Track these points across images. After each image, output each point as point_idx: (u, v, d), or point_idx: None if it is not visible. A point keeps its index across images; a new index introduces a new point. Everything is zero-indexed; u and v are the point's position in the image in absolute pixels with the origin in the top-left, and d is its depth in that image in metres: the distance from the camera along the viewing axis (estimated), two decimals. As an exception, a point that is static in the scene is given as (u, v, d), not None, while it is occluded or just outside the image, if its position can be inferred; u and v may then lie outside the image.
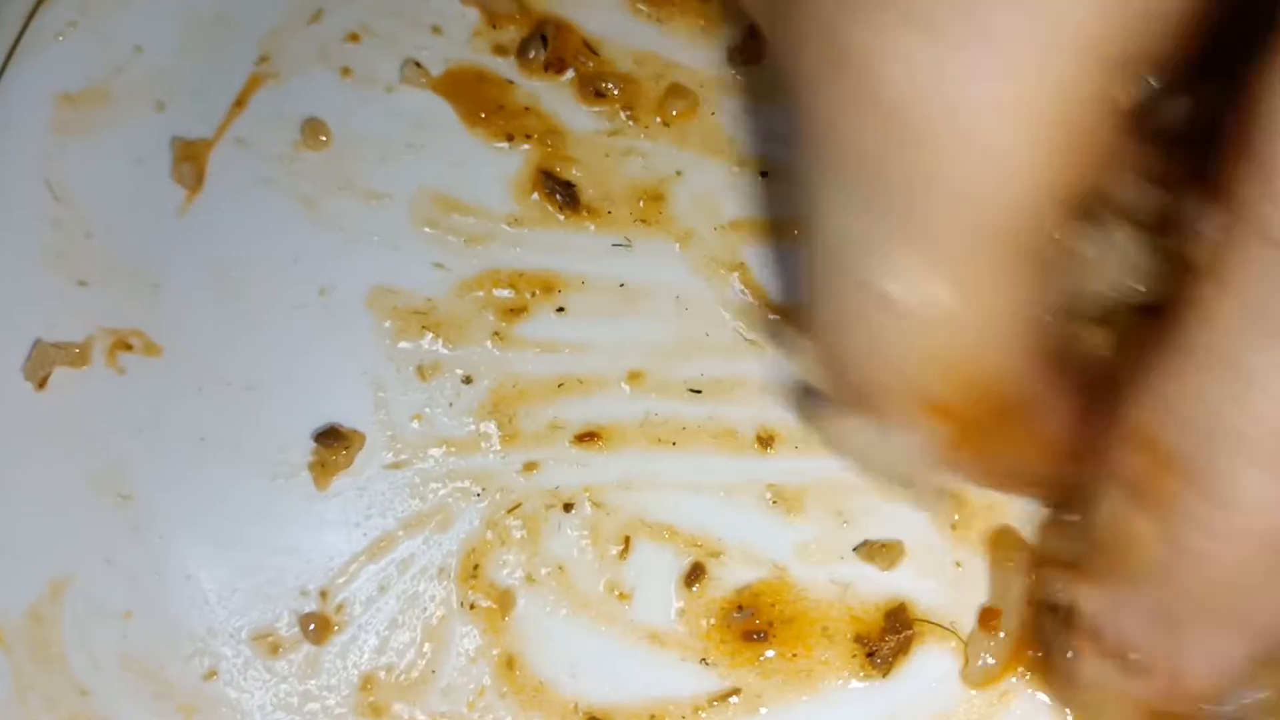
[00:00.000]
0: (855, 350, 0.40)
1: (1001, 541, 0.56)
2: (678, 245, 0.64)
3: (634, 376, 0.62)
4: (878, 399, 0.42)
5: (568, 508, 0.60)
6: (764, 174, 0.65)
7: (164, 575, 0.60)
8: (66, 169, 0.66)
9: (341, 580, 0.59)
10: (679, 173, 0.65)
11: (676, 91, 0.65)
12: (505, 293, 0.63)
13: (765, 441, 0.60)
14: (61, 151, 0.66)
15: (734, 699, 0.56)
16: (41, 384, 0.63)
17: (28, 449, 0.62)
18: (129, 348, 0.63)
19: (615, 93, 0.65)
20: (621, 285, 0.63)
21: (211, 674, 0.58)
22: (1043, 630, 0.50)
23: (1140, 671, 0.37)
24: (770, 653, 0.57)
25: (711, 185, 0.65)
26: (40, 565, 0.60)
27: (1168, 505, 0.34)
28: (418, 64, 0.67)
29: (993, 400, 0.38)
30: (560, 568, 0.59)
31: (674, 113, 0.65)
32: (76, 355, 0.63)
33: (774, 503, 0.59)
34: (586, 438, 0.61)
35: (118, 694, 0.58)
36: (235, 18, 0.70)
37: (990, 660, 0.54)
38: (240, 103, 0.68)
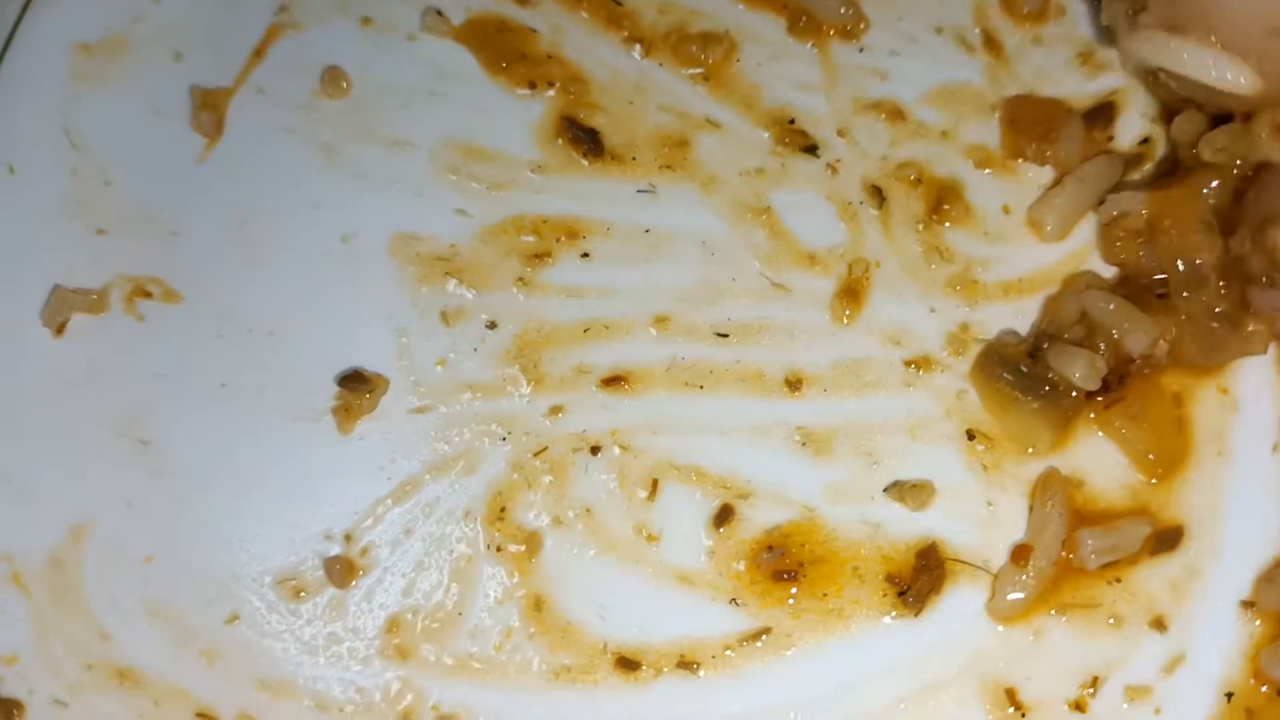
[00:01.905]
0: None
1: (1046, 484, 0.56)
2: (703, 191, 0.64)
3: (660, 321, 0.62)
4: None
5: (595, 451, 0.60)
6: (790, 121, 0.65)
7: (185, 520, 0.60)
8: (84, 118, 0.67)
9: (367, 523, 0.60)
10: (708, 119, 0.65)
11: (708, 39, 0.65)
12: (529, 239, 0.64)
13: (793, 384, 0.61)
14: (79, 100, 0.67)
15: (764, 639, 0.57)
16: (60, 330, 0.63)
17: (47, 395, 0.62)
18: (148, 295, 0.64)
19: (640, 37, 0.66)
20: (647, 231, 0.64)
21: (234, 618, 0.59)
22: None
23: None
24: (799, 592, 0.57)
25: (738, 132, 0.65)
26: (60, 510, 0.60)
27: None
28: (439, 12, 0.68)
29: None
30: (588, 510, 0.59)
31: (705, 59, 0.65)
32: (95, 302, 0.64)
33: (803, 444, 0.60)
34: (613, 382, 0.61)
35: (140, 639, 0.58)
36: (254, -33, 0.70)
37: (1018, 595, 0.55)
38: (259, 52, 0.68)
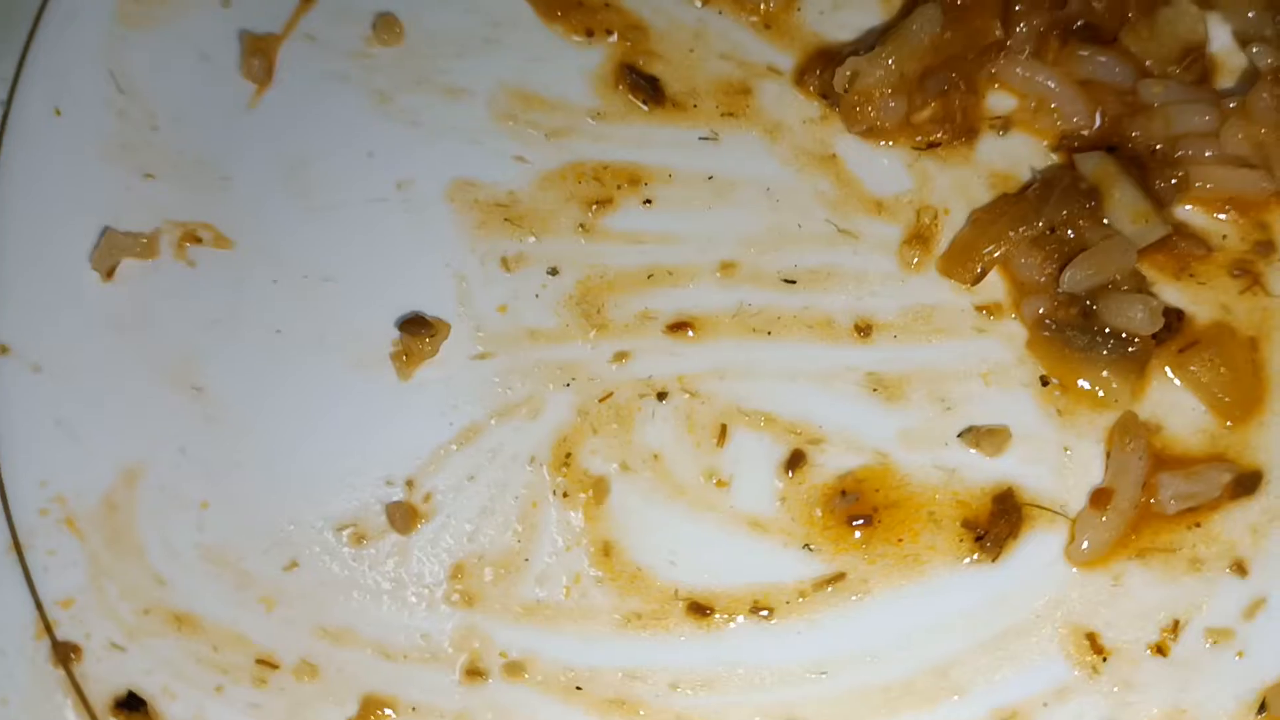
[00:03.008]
0: None
1: (1125, 427, 0.56)
2: (766, 138, 0.64)
3: (726, 267, 0.62)
4: None
5: (661, 396, 0.60)
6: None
7: (241, 466, 0.60)
8: (131, 61, 0.66)
9: (430, 469, 0.59)
10: (769, 67, 0.64)
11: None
12: (590, 185, 0.63)
13: (863, 330, 0.60)
14: (126, 43, 0.66)
15: (838, 585, 0.56)
16: (109, 274, 0.62)
17: (97, 339, 0.62)
18: (198, 240, 0.63)
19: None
20: (710, 178, 0.64)
21: (293, 565, 0.58)
22: None
23: None
24: (874, 538, 0.56)
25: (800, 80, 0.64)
26: (112, 453, 0.60)
27: None
28: (497, -41, 0.67)
29: None
30: (655, 456, 0.59)
31: (766, 7, 0.65)
32: (145, 246, 0.63)
33: (874, 390, 0.59)
34: (678, 328, 0.61)
35: (197, 584, 0.58)
36: (303, -86, 0.69)
37: (1099, 539, 0.54)
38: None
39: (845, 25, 0.66)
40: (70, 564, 0.57)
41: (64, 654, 0.55)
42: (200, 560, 0.58)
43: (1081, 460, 0.58)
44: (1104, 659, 0.55)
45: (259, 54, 0.67)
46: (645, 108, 0.65)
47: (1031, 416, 0.58)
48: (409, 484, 0.59)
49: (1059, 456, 0.58)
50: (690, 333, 0.61)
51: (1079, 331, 0.58)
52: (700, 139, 0.65)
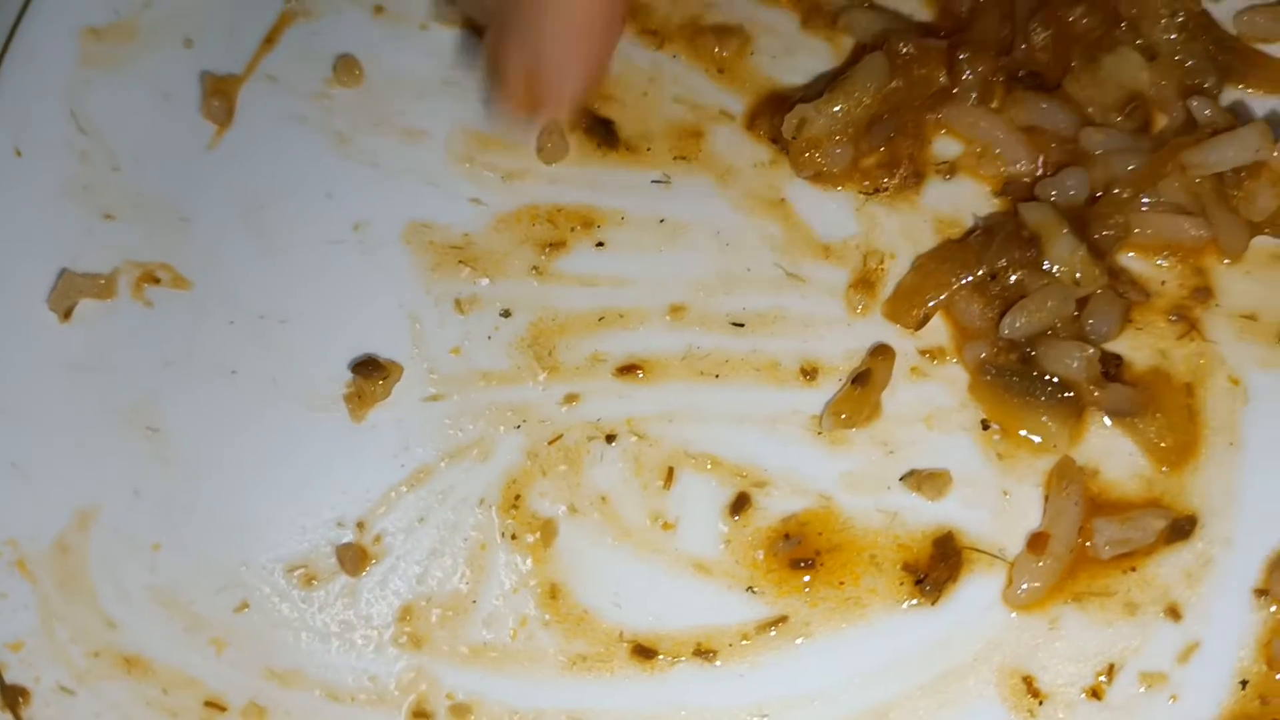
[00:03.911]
0: None
1: (1062, 473, 0.57)
2: (717, 182, 0.65)
3: (676, 310, 0.63)
4: None
5: (610, 439, 0.60)
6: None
7: (194, 508, 0.61)
8: (93, 102, 0.67)
9: (380, 510, 0.60)
10: (721, 111, 0.65)
11: (723, 32, 0.66)
12: (544, 228, 0.64)
13: (809, 374, 0.61)
14: (88, 84, 0.67)
15: (781, 627, 0.57)
16: (66, 315, 0.63)
17: (53, 381, 0.62)
18: (156, 281, 0.64)
19: (654, 29, 0.67)
20: (661, 221, 0.65)
21: (244, 606, 0.59)
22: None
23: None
24: (816, 580, 0.57)
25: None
26: (66, 495, 0.61)
27: None
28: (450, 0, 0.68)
29: None
30: (603, 498, 0.60)
31: (720, 52, 0.66)
32: (102, 287, 0.64)
33: (819, 434, 0.60)
34: (628, 370, 0.62)
35: (147, 626, 0.58)
36: (265, -45, 0.70)
37: (1035, 583, 0.55)
38: (270, 40, 0.69)
39: (797, 70, 0.67)
40: (21, 607, 0.57)
41: (12, 698, 0.55)
42: (151, 602, 0.58)
43: (1020, 504, 0.59)
44: (1040, 702, 0.56)
45: (220, 95, 0.68)
46: (600, 152, 0.66)
47: (973, 460, 0.59)
48: (360, 525, 0.60)
49: (999, 500, 0.59)
50: (640, 375, 0.62)
51: (1019, 377, 0.59)
52: (653, 182, 0.66)
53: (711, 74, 0.67)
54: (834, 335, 0.62)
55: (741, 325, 0.63)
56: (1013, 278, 0.59)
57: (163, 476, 0.60)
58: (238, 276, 0.64)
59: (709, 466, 0.60)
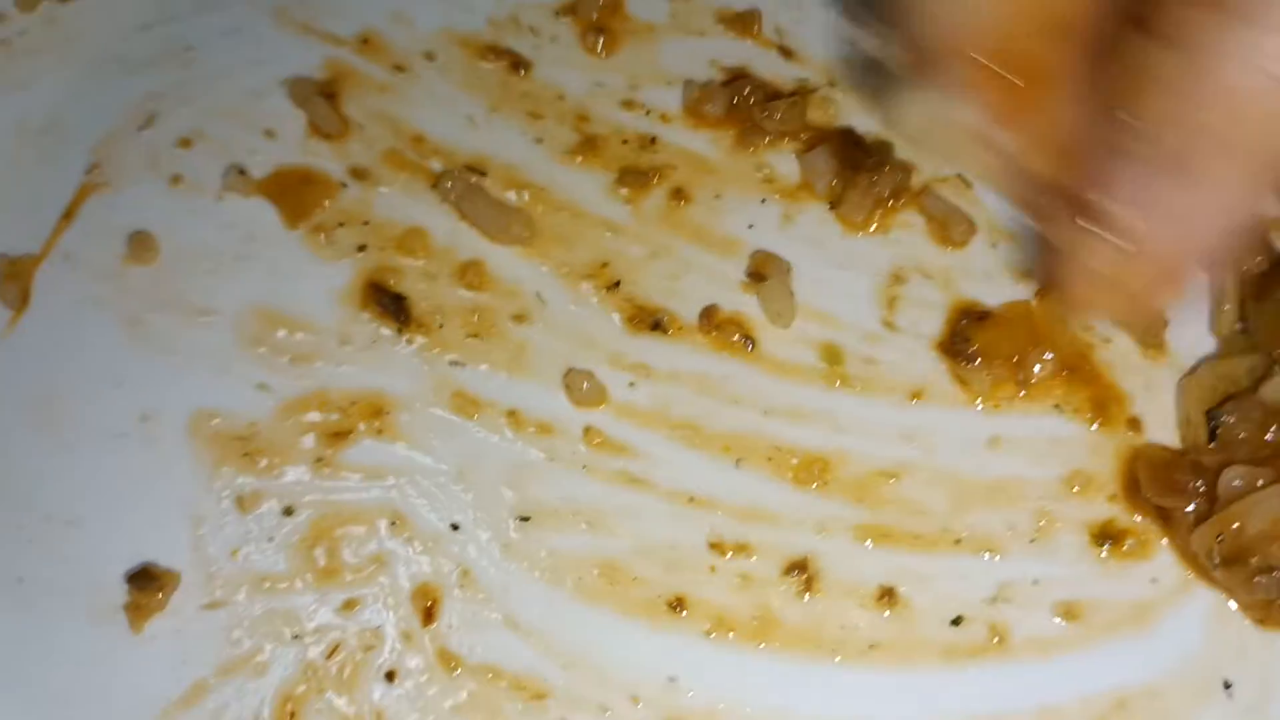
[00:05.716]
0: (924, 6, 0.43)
1: None
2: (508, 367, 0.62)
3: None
4: (942, 56, 0.43)
5: (393, 651, 0.58)
6: (616, 283, 0.62)
7: (-26, 729, 0.58)
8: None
9: (154, 733, 0.58)
10: (539, 295, 0.62)
11: (517, 214, 0.63)
12: (330, 416, 0.62)
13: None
14: None
15: None
16: None
17: None
18: (-53, 482, 0.62)
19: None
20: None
21: (16, 834, 0.57)
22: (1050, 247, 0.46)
23: (1147, 238, 0.38)
24: None
25: (555, 302, 0.62)
26: None
27: (1195, 34, 0.35)
28: (241, 170, 0.66)
29: (1038, 59, 0.40)
30: (378, 715, 0.57)
31: (513, 231, 0.63)
32: (-109, 493, 0.62)
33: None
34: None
35: None
36: (67, 124, 0.69)
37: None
38: (69, 214, 0.67)
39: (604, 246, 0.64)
40: None
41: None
42: (-76, 830, 0.58)
43: None
44: None
45: (15, 278, 0.66)
46: (391, 331, 0.63)
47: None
48: (134, 751, 0.58)
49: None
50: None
51: None
52: (450, 364, 0.63)
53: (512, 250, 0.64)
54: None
55: (527, 519, 0.60)
56: None
57: (-55, 698, 0.60)
58: (25, 476, 0.62)
59: (489, 678, 0.58)
